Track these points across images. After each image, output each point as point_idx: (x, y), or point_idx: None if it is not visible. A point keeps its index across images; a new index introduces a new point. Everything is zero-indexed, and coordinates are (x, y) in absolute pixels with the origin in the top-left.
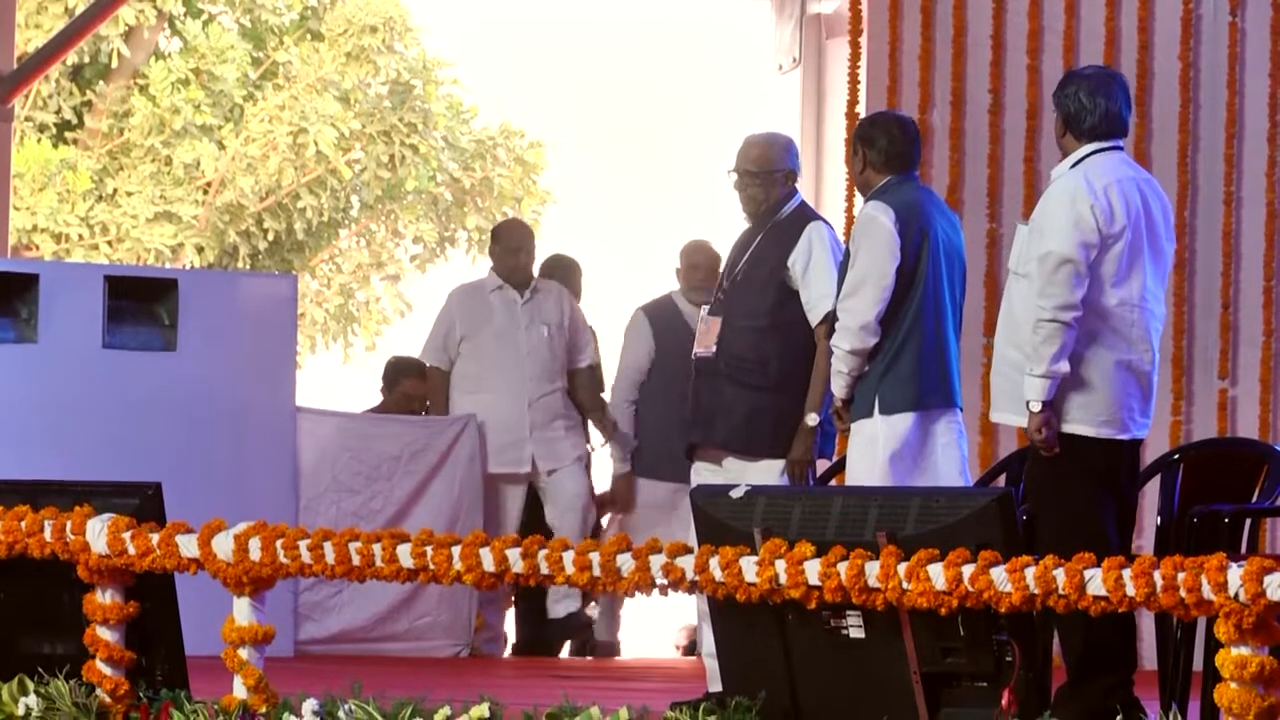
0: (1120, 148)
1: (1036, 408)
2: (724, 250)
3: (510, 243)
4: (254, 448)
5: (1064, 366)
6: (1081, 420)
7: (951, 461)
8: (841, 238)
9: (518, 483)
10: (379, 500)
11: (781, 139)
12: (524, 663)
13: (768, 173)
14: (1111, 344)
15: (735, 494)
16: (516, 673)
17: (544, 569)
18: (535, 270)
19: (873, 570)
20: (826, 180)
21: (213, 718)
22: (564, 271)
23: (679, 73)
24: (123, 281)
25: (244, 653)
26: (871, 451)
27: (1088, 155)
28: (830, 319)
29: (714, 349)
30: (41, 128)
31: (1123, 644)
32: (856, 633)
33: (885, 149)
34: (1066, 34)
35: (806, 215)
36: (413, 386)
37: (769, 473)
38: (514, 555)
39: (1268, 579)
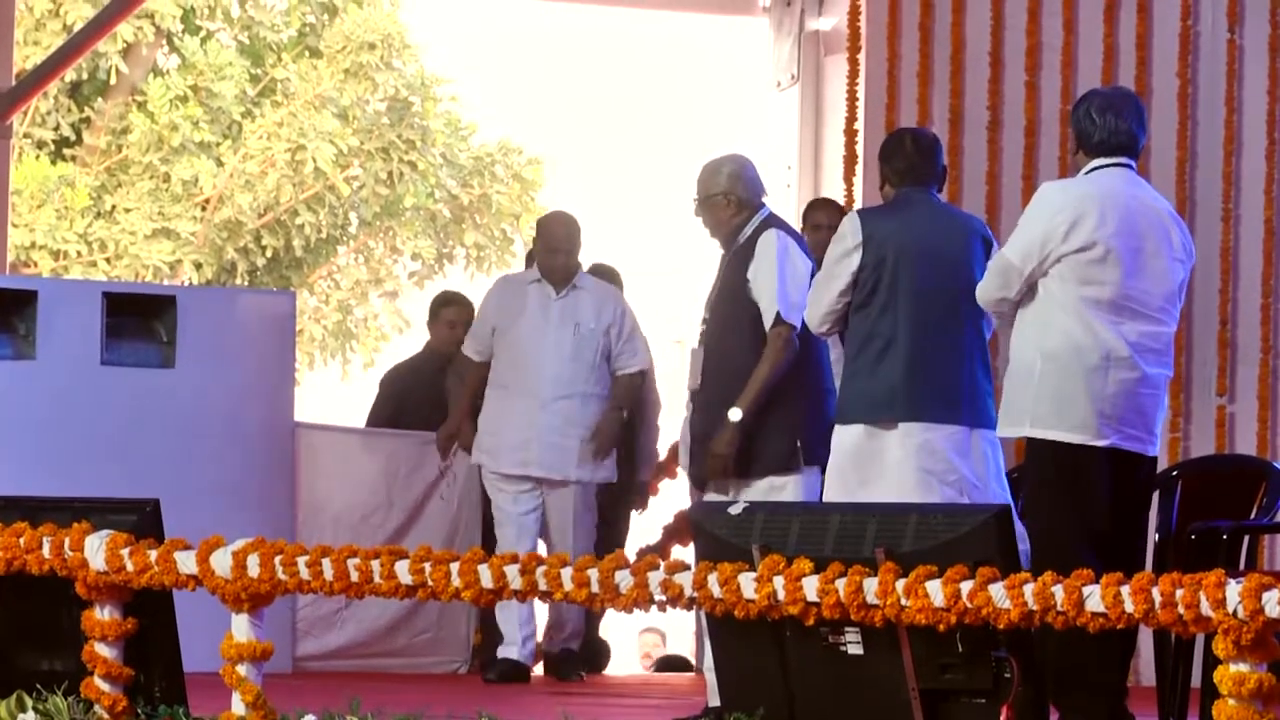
0: (1128, 165)
1: None
2: None
3: (548, 241)
4: (252, 464)
5: None
6: (1053, 426)
7: (904, 478)
8: None
9: (528, 487)
10: (378, 516)
11: (728, 164)
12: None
13: (710, 197)
14: (1085, 351)
15: (733, 510)
16: (515, 689)
17: (542, 585)
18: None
19: (871, 586)
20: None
21: None
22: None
23: (677, 89)
24: (121, 298)
25: (242, 669)
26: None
27: (1090, 171)
28: (778, 321)
29: (699, 379)
30: (40, 144)
31: (1100, 660)
32: (855, 649)
33: (899, 165)
34: (1065, 51)
35: (762, 229)
36: (455, 314)
37: (778, 488)
38: (512, 572)
39: (1266, 595)
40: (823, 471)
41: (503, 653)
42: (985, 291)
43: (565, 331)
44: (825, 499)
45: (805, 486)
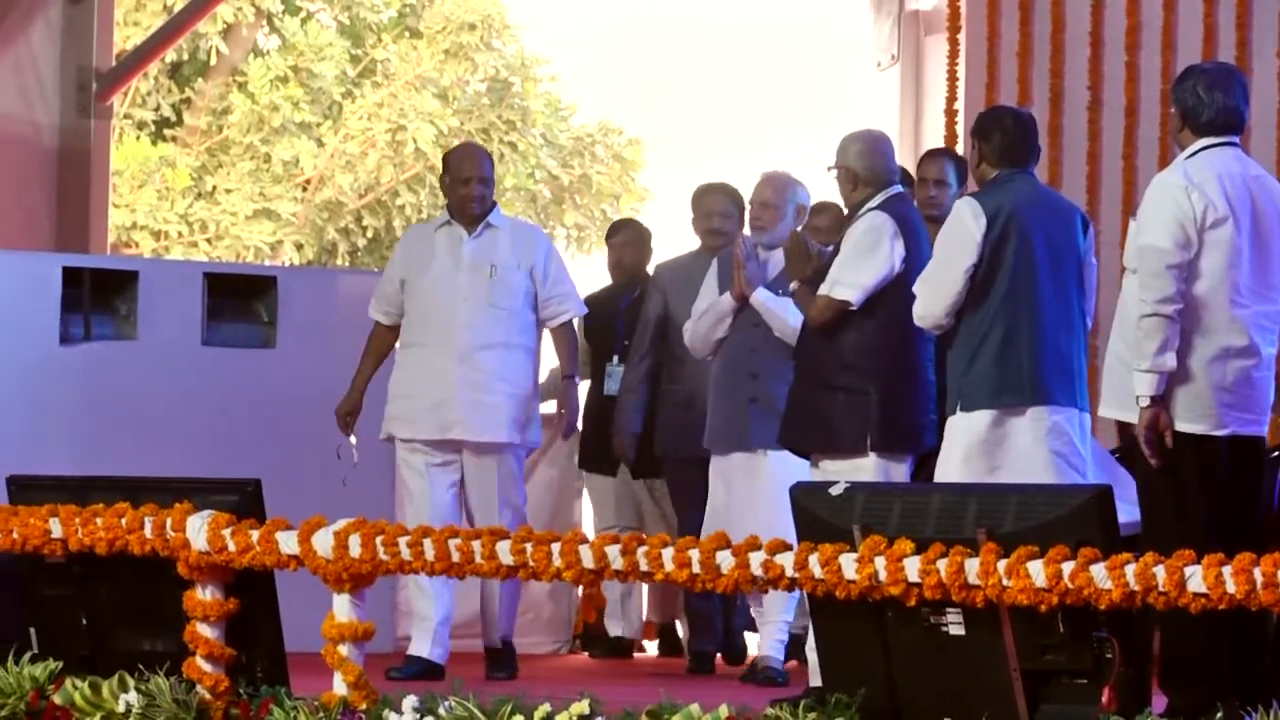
0: (1235, 143)
1: (1144, 403)
2: None
3: (456, 171)
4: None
5: (1169, 360)
6: (1176, 416)
7: (1036, 461)
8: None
9: (447, 459)
10: None
11: (857, 141)
12: (622, 661)
13: (835, 169)
14: (1206, 338)
15: (834, 491)
16: (615, 670)
17: (643, 565)
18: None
19: (972, 567)
20: None
21: (313, 714)
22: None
23: (777, 70)
24: (222, 279)
25: (344, 649)
26: (949, 449)
27: (1199, 150)
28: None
29: (799, 350)
30: (140, 125)
31: (1215, 653)
32: (956, 630)
33: (999, 144)
34: (1165, 30)
35: (871, 209)
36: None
37: (861, 469)
38: (613, 552)
39: None
40: (899, 461)
41: (414, 650)
42: (1159, 291)
43: (479, 275)
44: None
45: (877, 475)
